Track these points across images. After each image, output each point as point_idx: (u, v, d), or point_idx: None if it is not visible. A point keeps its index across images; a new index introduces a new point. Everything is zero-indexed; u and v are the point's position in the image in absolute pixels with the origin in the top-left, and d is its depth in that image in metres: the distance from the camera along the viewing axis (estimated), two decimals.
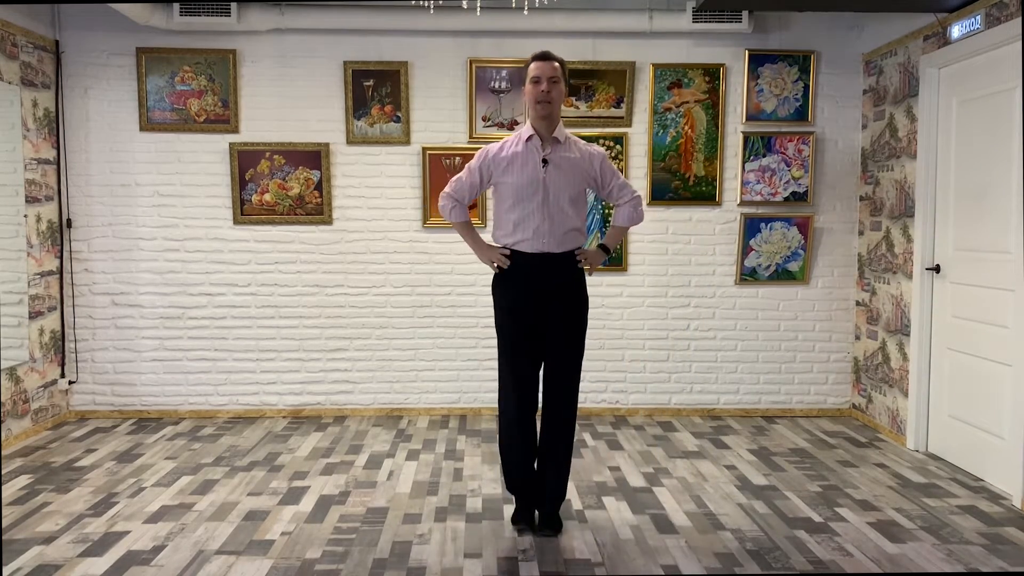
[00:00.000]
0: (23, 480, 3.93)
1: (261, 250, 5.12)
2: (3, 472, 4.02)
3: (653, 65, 5.06)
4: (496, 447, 4.37)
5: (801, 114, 5.10)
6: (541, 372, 3.31)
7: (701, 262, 5.19)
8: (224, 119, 5.02)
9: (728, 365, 5.23)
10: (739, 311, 5.22)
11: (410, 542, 3.21)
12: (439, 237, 5.09)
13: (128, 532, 3.29)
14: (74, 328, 5.07)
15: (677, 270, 5.19)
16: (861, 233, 5.16)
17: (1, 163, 4.50)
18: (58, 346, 5.00)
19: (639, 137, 5.12)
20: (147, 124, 5.01)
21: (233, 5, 4.75)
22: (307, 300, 5.14)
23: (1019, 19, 3.61)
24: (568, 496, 3.54)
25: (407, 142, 5.07)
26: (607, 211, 5.08)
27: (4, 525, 3.34)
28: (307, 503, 3.62)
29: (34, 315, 4.75)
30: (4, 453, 4.33)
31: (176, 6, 4.73)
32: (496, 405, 3.45)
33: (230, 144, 5.01)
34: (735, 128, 5.12)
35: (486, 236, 3.71)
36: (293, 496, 3.72)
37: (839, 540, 3.23)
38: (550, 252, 3.18)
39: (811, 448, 4.52)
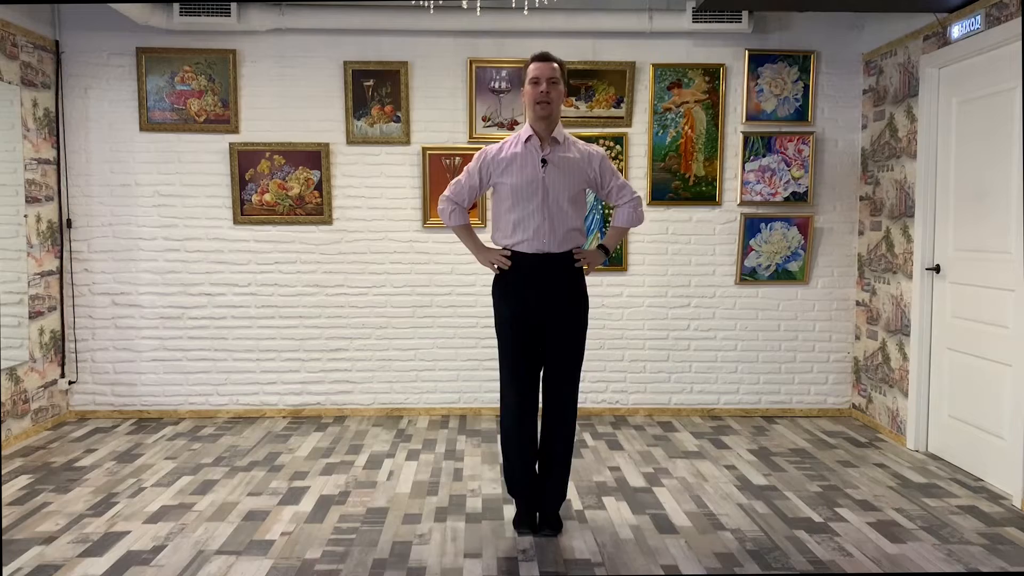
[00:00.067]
0: (23, 480, 3.93)
1: (261, 250, 5.12)
2: (3, 472, 4.02)
3: (653, 65, 5.06)
4: (496, 447, 4.37)
5: (801, 114, 5.10)
6: (541, 373, 3.31)
7: (701, 262, 5.19)
8: (224, 119, 5.03)
9: (728, 365, 5.23)
10: (739, 311, 5.22)
11: (410, 542, 3.21)
12: (439, 237, 5.09)
13: (128, 532, 3.29)
14: (74, 328, 5.07)
15: (677, 270, 5.19)
16: (861, 233, 5.16)
17: (1, 163, 4.50)
18: (58, 346, 5.00)
19: (639, 137, 5.12)
20: (147, 124, 5.01)
21: (233, 5, 4.75)
22: (307, 300, 5.14)
23: (1019, 19, 3.61)
24: (568, 496, 3.54)
25: (407, 142, 5.07)
26: (607, 211, 5.08)
27: (4, 525, 3.34)
28: (307, 503, 3.62)
29: (34, 315, 4.75)
30: (4, 453, 4.33)
31: (176, 6, 4.73)
32: (496, 405, 3.45)
33: (230, 144, 5.01)
34: (735, 128, 5.12)
35: (485, 236, 3.71)
36: (293, 496, 3.72)
37: (839, 540, 3.23)
38: (550, 252, 3.18)
39: (811, 448, 4.52)
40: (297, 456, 4.33)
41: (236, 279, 5.12)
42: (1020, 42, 3.59)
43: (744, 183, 5.11)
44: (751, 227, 5.13)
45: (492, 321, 3.37)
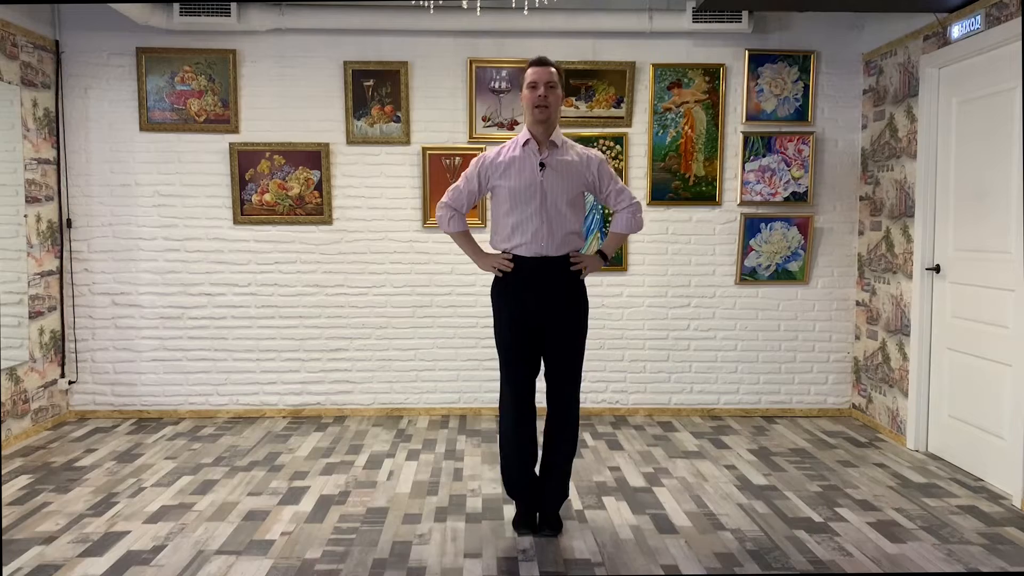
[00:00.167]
0: (23, 480, 3.93)
1: (261, 250, 5.12)
2: (3, 472, 4.02)
3: (653, 65, 5.06)
4: (496, 447, 4.37)
5: (801, 114, 5.10)
6: (542, 376, 3.31)
7: (701, 262, 5.19)
8: (224, 119, 5.03)
9: (728, 365, 5.23)
10: (739, 311, 5.22)
11: (410, 542, 3.21)
12: (439, 237, 5.09)
13: (128, 532, 3.29)
14: (74, 328, 5.07)
15: (677, 270, 5.19)
16: (861, 233, 5.16)
17: (1, 163, 4.50)
18: (58, 346, 5.00)
19: (639, 137, 5.12)
20: (147, 124, 5.01)
21: (233, 5, 4.75)
22: (307, 300, 5.14)
23: (1019, 19, 3.61)
24: (568, 496, 3.53)
25: (407, 142, 5.07)
26: (607, 211, 5.08)
27: (4, 525, 3.34)
28: (307, 503, 3.62)
29: (34, 315, 4.75)
30: (4, 453, 4.33)
31: (176, 6, 4.73)
32: (496, 405, 3.45)
33: (230, 144, 5.01)
34: (735, 128, 5.12)
35: (485, 236, 3.70)
36: (293, 496, 3.72)
37: (839, 540, 3.23)
38: (548, 256, 3.18)
39: (811, 448, 4.52)
40: (297, 456, 4.33)
41: (236, 279, 5.12)
42: (1020, 42, 3.59)
43: (744, 183, 5.11)
44: (751, 227, 5.14)
45: (492, 321, 3.37)
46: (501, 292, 3.26)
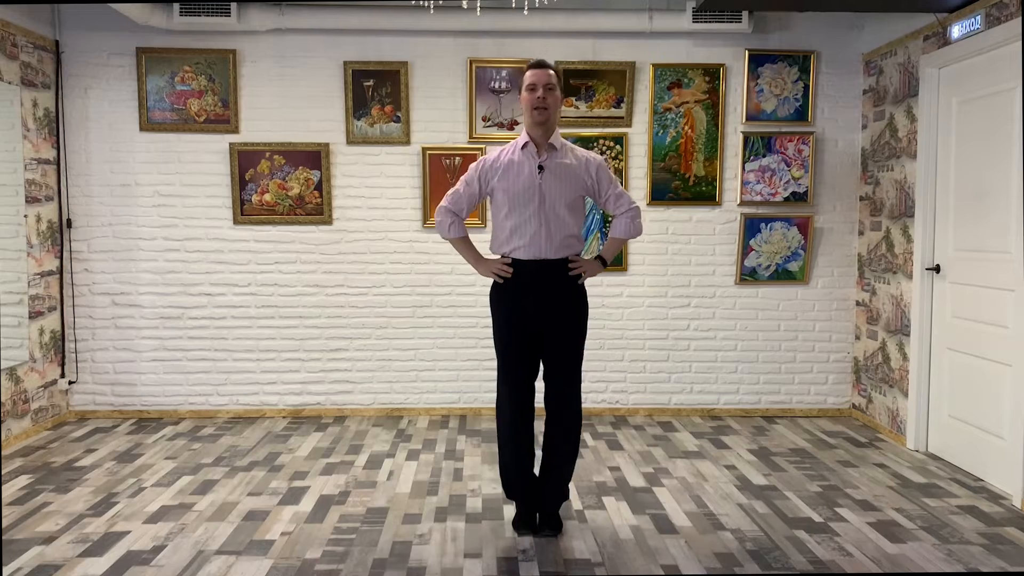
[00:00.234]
0: (23, 480, 3.93)
1: (261, 250, 5.12)
2: (3, 472, 4.02)
3: (653, 65, 5.06)
4: (496, 448, 4.37)
5: (801, 114, 5.10)
6: (540, 379, 3.31)
7: (701, 262, 5.19)
8: (224, 119, 5.03)
9: (728, 365, 5.23)
10: (739, 311, 5.22)
11: (410, 542, 3.21)
12: (439, 237, 5.04)
13: (128, 532, 3.29)
14: (74, 328, 5.07)
15: (677, 270, 5.19)
16: (861, 233, 5.16)
17: (1, 163, 4.50)
18: (58, 346, 5.00)
19: (639, 137, 5.12)
20: (147, 124, 5.01)
21: (233, 5, 4.75)
22: (307, 300, 5.14)
23: (1019, 19, 3.61)
24: (568, 496, 3.53)
25: (407, 142, 5.07)
26: (608, 215, 5.07)
27: (4, 525, 3.34)
28: (307, 503, 3.62)
29: (34, 315, 4.75)
30: (4, 453, 4.33)
31: (176, 6, 4.73)
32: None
33: (230, 144, 5.01)
34: (735, 128, 5.12)
35: (485, 237, 3.70)
36: (293, 496, 3.72)
37: (839, 540, 3.23)
38: (547, 259, 3.17)
39: (811, 448, 4.52)
40: (297, 456, 4.33)
41: (236, 279, 5.12)
42: (1020, 42, 3.59)
43: (744, 183, 5.11)
44: (751, 227, 5.14)
45: (491, 322, 3.36)
46: (500, 296, 3.26)
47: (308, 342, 5.16)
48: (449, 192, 3.32)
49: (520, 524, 3.30)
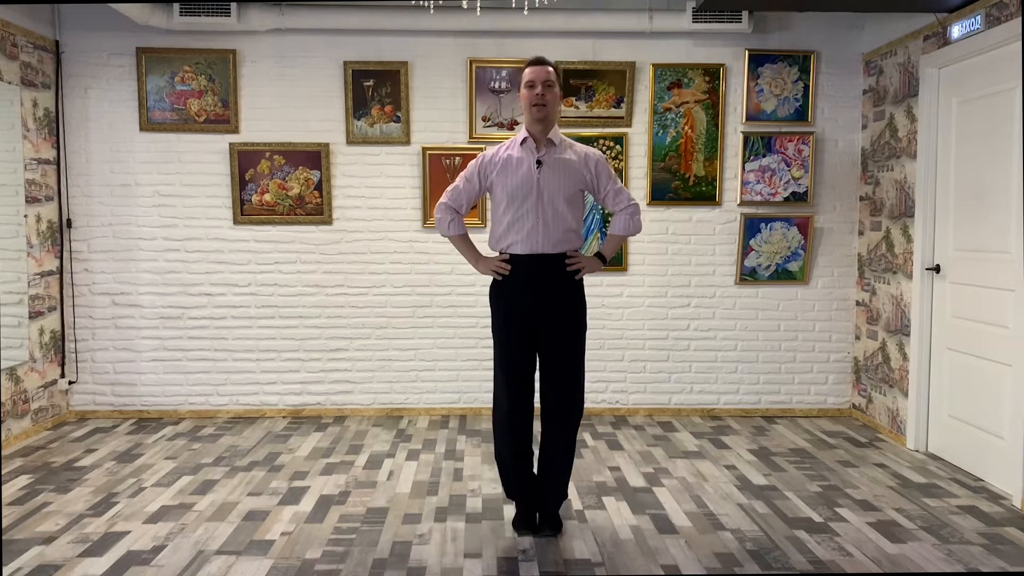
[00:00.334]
0: (23, 480, 3.93)
1: (261, 250, 5.12)
2: (3, 472, 4.02)
3: (653, 65, 5.06)
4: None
5: (801, 114, 5.10)
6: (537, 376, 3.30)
7: (701, 262, 5.19)
8: (224, 119, 5.03)
9: (728, 365, 5.23)
10: (739, 311, 5.22)
11: (410, 542, 3.21)
12: (439, 237, 5.06)
13: (128, 532, 3.29)
14: (74, 328, 5.07)
15: (677, 270, 5.19)
16: (861, 233, 5.16)
17: (1, 163, 4.50)
18: (58, 346, 5.00)
19: (639, 137, 5.12)
20: (147, 124, 5.01)
21: (233, 5, 4.75)
22: (307, 300, 5.14)
23: (1019, 19, 3.61)
24: (568, 496, 3.54)
25: (407, 142, 5.07)
26: (607, 212, 5.07)
27: (4, 525, 3.34)
28: (307, 503, 3.62)
29: (34, 315, 4.75)
30: (4, 453, 4.33)
31: (176, 6, 4.73)
32: None
33: (230, 144, 5.01)
34: (735, 128, 5.12)
35: (485, 236, 3.70)
36: (293, 496, 3.72)
37: (839, 540, 3.23)
38: (544, 253, 3.17)
39: (811, 448, 4.52)
40: (297, 456, 4.33)
41: (236, 279, 5.12)
42: (1020, 42, 3.59)
43: (744, 183, 5.11)
44: (751, 227, 5.14)
45: (491, 318, 3.36)
46: (499, 292, 3.26)
47: (308, 342, 5.16)
48: (448, 188, 3.32)
49: (520, 524, 3.30)
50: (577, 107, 5.07)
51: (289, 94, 5.05)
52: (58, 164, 4.96)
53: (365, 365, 5.19)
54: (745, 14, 4.85)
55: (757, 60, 5.06)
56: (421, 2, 4.45)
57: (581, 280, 3.27)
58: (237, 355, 5.15)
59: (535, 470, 3.35)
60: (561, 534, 3.28)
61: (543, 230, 3.15)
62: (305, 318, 5.15)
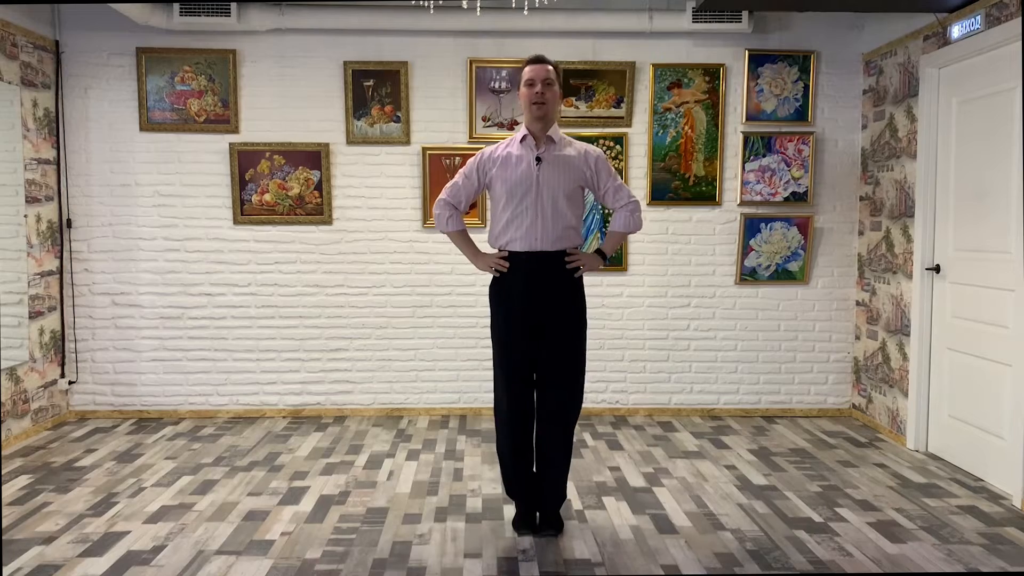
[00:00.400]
0: (23, 480, 3.93)
1: (261, 250, 5.12)
2: (3, 472, 4.02)
3: (653, 65, 5.06)
4: (495, 448, 4.37)
5: (801, 114, 5.10)
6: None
7: (701, 262, 5.19)
8: (224, 119, 5.03)
9: (728, 365, 5.23)
10: (739, 311, 5.22)
11: (410, 542, 3.21)
12: (439, 237, 5.08)
13: (128, 532, 3.29)
14: (74, 328, 5.07)
15: (677, 270, 5.19)
16: (861, 233, 5.16)
17: (1, 163, 4.50)
18: (58, 346, 5.00)
19: (639, 137, 5.12)
20: (147, 124, 5.01)
21: (233, 5, 4.75)
22: (307, 300, 5.14)
23: (1019, 19, 3.61)
24: (568, 496, 3.54)
25: (407, 142, 5.07)
26: (607, 211, 5.08)
27: (4, 525, 3.34)
28: (307, 503, 3.62)
29: (34, 315, 4.75)
30: (4, 453, 4.33)
31: (176, 6, 4.73)
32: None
33: (230, 144, 5.01)
34: (735, 128, 5.12)
35: (484, 236, 3.70)
36: (293, 496, 3.72)
37: (839, 540, 3.23)
38: (543, 251, 3.17)
39: (811, 448, 4.52)
40: (297, 456, 4.33)
41: (236, 279, 5.12)
42: (1020, 42, 3.59)
43: (744, 183, 5.11)
44: (751, 227, 5.14)
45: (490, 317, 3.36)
46: (498, 290, 3.26)
47: (308, 342, 5.16)
48: (448, 185, 3.32)
49: (520, 524, 3.30)
50: (577, 107, 5.07)
51: (289, 94, 5.05)
52: (58, 164, 4.96)
53: (365, 365, 5.19)
54: (745, 14, 4.85)
55: (757, 60, 5.06)
56: (421, 2, 4.45)
57: (581, 278, 3.27)
58: (237, 355, 5.15)
59: (534, 469, 3.35)
60: (561, 534, 3.28)
61: (542, 226, 3.15)
62: (305, 318, 5.15)
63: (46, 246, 4.87)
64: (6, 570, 2.94)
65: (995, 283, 3.86)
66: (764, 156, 5.11)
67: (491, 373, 3.42)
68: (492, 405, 4.92)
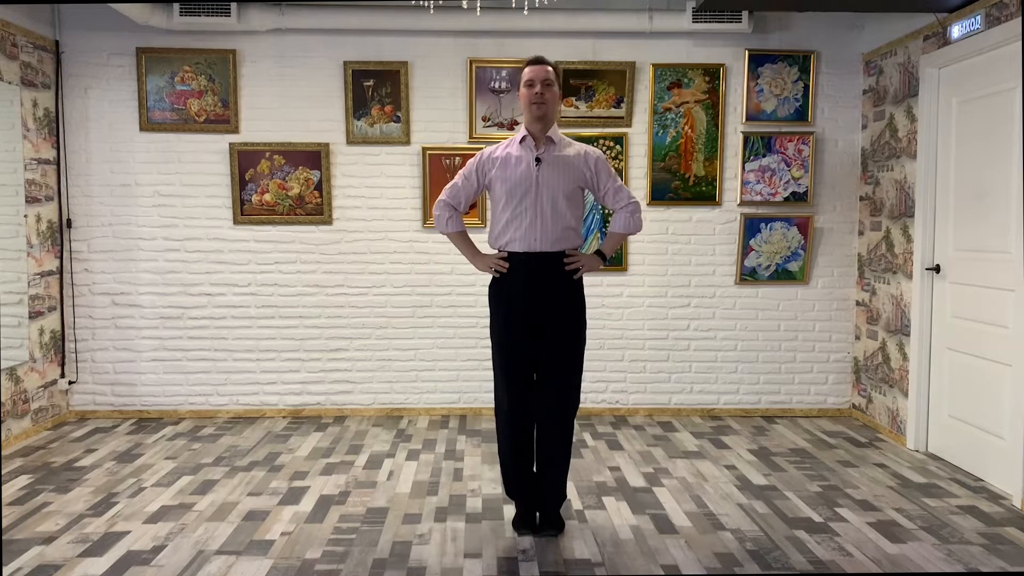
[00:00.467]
0: (23, 480, 3.93)
1: (261, 250, 5.12)
2: (3, 472, 4.02)
3: (653, 65, 5.06)
4: (496, 448, 4.37)
5: (801, 114, 5.10)
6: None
7: (701, 262, 5.19)
8: (224, 119, 5.03)
9: (728, 365, 5.23)
10: (739, 311, 5.22)
11: (410, 542, 3.21)
12: (439, 237, 5.07)
13: (128, 532, 3.29)
14: (74, 328, 5.07)
15: (677, 270, 5.19)
16: (861, 233, 5.16)
17: (1, 163, 4.50)
18: (58, 346, 5.00)
19: (639, 137, 5.12)
20: (147, 124, 5.01)
21: (233, 5, 4.75)
22: (307, 300, 5.14)
23: (1019, 19, 3.61)
24: (568, 496, 3.54)
25: (407, 142, 5.07)
26: (607, 212, 5.07)
27: (4, 525, 3.34)
28: (307, 503, 3.62)
29: (34, 315, 4.75)
30: (4, 453, 4.33)
31: (176, 6, 4.73)
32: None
33: (230, 144, 5.01)
34: (735, 128, 5.12)
35: (484, 236, 3.70)
36: (293, 496, 3.72)
37: (839, 540, 3.23)
38: (542, 251, 3.17)
39: (811, 448, 4.52)
40: (297, 456, 4.33)
41: (236, 279, 5.12)
42: (1020, 42, 3.59)
43: (744, 183, 5.11)
44: (751, 227, 5.14)
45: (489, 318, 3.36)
46: (497, 290, 3.26)
47: (308, 342, 5.16)
48: (447, 186, 3.33)
49: (520, 524, 3.30)
50: (577, 107, 5.07)
51: (289, 94, 5.05)
52: (58, 164, 4.96)
53: (365, 365, 5.19)
54: (745, 14, 4.85)
55: (757, 60, 5.06)
56: (421, 2, 4.45)
57: (581, 278, 3.27)
58: (237, 355, 5.15)
59: (534, 469, 3.36)
60: (561, 534, 3.28)
61: (541, 227, 3.15)
62: (305, 318, 5.15)
63: (46, 246, 4.87)
64: (6, 570, 2.94)
65: (995, 283, 3.86)
66: (764, 156, 5.11)
67: (491, 373, 3.42)
68: (492, 405, 4.92)
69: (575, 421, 3.33)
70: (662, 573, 2.94)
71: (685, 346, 5.23)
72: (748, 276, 5.18)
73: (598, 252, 3.29)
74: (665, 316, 5.21)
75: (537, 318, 3.19)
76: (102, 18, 4.91)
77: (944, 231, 4.31)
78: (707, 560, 3.04)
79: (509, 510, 3.49)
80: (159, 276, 5.10)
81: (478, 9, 4.39)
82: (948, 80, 4.27)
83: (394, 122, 5.06)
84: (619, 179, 3.31)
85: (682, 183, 5.14)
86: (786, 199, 5.13)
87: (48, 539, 3.21)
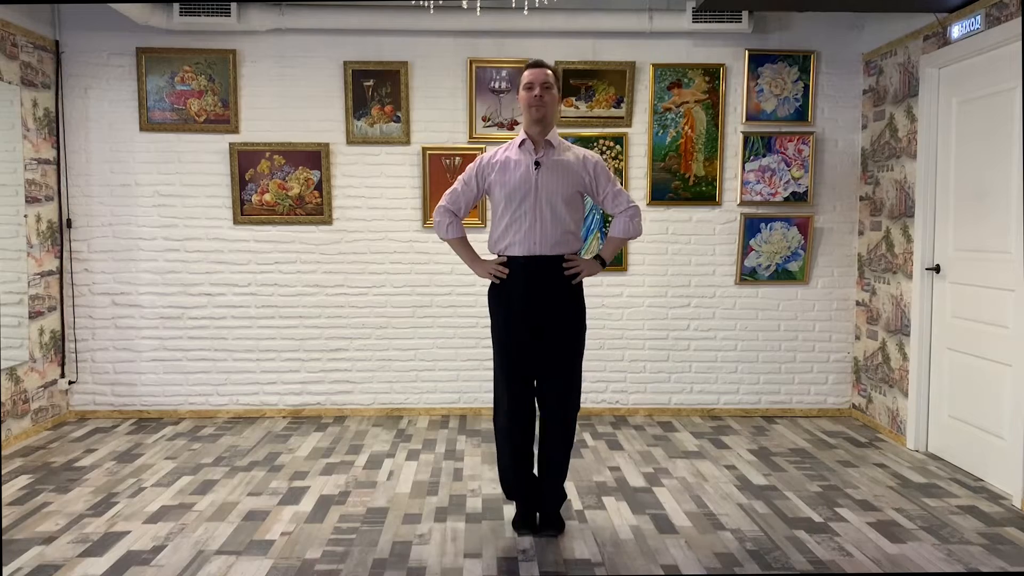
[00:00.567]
0: (23, 480, 3.93)
1: (261, 250, 5.12)
2: (3, 472, 4.02)
3: (653, 65, 5.06)
4: (495, 447, 4.37)
5: (801, 114, 5.10)
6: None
7: (701, 262, 5.19)
8: (224, 119, 5.03)
9: (728, 365, 5.23)
10: (739, 311, 5.22)
11: (410, 542, 3.21)
12: (439, 237, 5.08)
13: (128, 532, 3.29)
14: (74, 328, 5.07)
15: (677, 270, 5.19)
16: (861, 233, 5.16)
17: (1, 163, 4.50)
18: (58, 346, 5.00)
19: (639, 137, 5.12)
20: (147, 124, 5.01)
21: (233, 5, 4.75)
22: (307, 300, 5.14)
23: (1019, 19, 3.61)
24: (568, 496, 3.54)
25: (407, 142, 5.07)
26: (607, 215, 5.06)
27: (4, 525, 3.34)
28: (307, 503, 3.62)
29: (34, 315, 4.75)
30: (4, 453, 4.33)
31: (176, 6, 4.73)
32: None
33: (230, 144, 5.01)
34: (735, 128, 5.12)
35: (485, 237, 3.70)
36: (293, 496, 3.72)
37: (839, 540, 3.23)
38: (542, 255, 3.17)
39: (811, 448, 4.52)
40: (297, 456, 4.33)
41: (236, 279, 5.12)
42: (1020, 42, 3.59)
43: (744, 183, 5.11)
44: (751, 227, 5.14)
45: (490, 321, 3.36)
46: (497, 294, 3.27)
47: (308, 342, 5.16)
48: (447, 191, 3.33)
49: (520, 524, 3.30)
50: (577, 107, 5.07)
51: (289, 94, 5.05)
52: (58, 164, 4.96)
53: (365, 365, 5.19)
54: (745, 14, 4.85)
55: (757, 60, 5.06)
56: (421, 2, 4.45)
57: (580, 284, 3.27)
58: (237, 355, 5.15)
59: (535, 471, 3.36)
60: (562, 534, 3.28)
61: (540, 230, 3.16)
62: (305, 318, 5.15)
63: (46, 246, 4.87)
64: (6, 570, 2.94)
65: (995, 283, 3.86)
66: (764, 156, 5.11)
67: (491, 373, 3.42)
68: (492, 405, 4.92)
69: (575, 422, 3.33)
70: (662, 573, 2.94)
71: (685, 346, 5.23)
72: (748, 276, 5.18)
73: (597, 257, 3.29)
74: (665, 316, 5.21)
75: (537, 320, 3.19)
76: (102, 18, 4.91)
77: (944, 231, 4.31)
78: (707, 560, 3.04)
79: (509, 510, 3.49)
80: (159, 276, 5.10)
81: (478, 9, 4.38)
82: (948, 80, 4.27)
83: (394, 122, 5.06)
84: (618, 183, 3.31)
85: (682, 183, 5.14)
86: (786, 199, 5.13)
87: (48, 539, 3.21)
